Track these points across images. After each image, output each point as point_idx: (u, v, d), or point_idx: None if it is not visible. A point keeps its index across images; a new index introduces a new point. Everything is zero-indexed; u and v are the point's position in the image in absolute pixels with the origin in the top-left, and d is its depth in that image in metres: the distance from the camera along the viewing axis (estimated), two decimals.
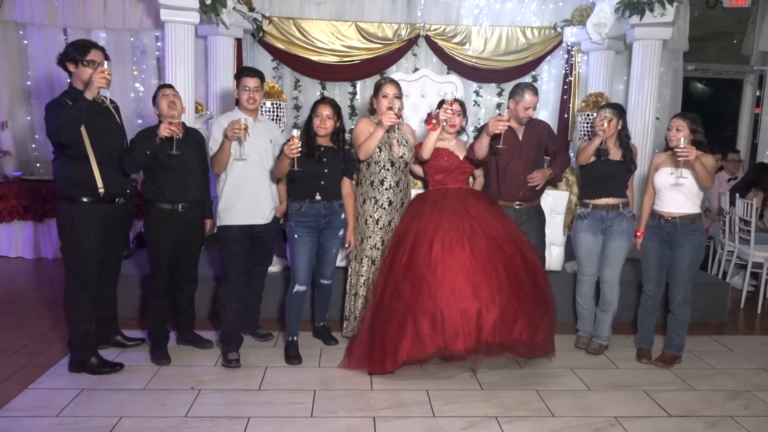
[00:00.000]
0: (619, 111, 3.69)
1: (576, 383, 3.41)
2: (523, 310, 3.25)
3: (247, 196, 3.52)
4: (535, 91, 3.74)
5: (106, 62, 3.09)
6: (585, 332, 3.98)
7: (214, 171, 3.57)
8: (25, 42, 6.27)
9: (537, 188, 3.78)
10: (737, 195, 5.27)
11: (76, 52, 3.16)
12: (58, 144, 3.19)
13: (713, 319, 4.48)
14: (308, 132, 3.51)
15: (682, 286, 3.62)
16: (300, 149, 3.22)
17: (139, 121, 6.25)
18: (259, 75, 3.59)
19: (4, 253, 6.04)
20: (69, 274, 3.29)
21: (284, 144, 3.33)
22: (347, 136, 4.03)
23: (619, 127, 3.68)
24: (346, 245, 3.73)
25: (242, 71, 3.65)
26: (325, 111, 3.54)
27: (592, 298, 3.93)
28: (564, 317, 4.11)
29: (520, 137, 3.74)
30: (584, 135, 4.94)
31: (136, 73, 6.33)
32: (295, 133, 3.24)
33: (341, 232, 3.70)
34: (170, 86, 3.52)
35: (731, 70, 8.13)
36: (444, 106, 3.55)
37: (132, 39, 6.26)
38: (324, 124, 3.52)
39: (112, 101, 3.42)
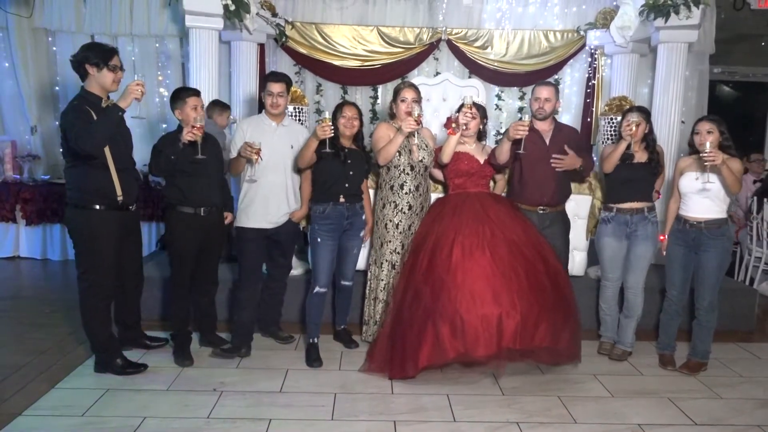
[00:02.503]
0: (646, 115, 3.65)
1: (599, 390, 3.37)
2: (545, 316, 3.22)
3: (261, 199, 3.58)
4: (548, 84, 3.74)
5: (140, 75, 3.14)
6: (608, 338, 3.93)
7: (230, 174, 3.62)
8: (54, 48, 6.42)
9: (558, 169, 3.67)
10: (765, 200, 5.17)
11: (100, 57, 3.15)
12: (78, 153, 3.11)
13: (740, 326, 4.39)
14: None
15: (708, 291, 3.56)
16: (332, 129, 3.32)
17: (164, 126, 6.36)
18: (286, 80, 3.62)
19: (33, 255, 6.16)
20: (85, 283, 3.27)
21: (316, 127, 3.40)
22: (367, 140, 4.06)
23: (646, 131, 3.64)
24: (362, 234, 3.76)
25: (269, 76, 3.69)
26: (351, 112, 3.60)
27: (615, 303, 3.89)
28: (587, 323, 4.07)
29: (547, 141, 3.71)
30: (608, 139, 4.88)
31: (161, 78, 6.43)
32: (327, 115, 3.35)
33: (362, 233, 3.74)
34: (195, 93, 3.49)
35: (759, 73, 7.98)
36: (464, 109, 3.55)
37: (157, 45, 6.37)
38: (351, 124, 3.58)
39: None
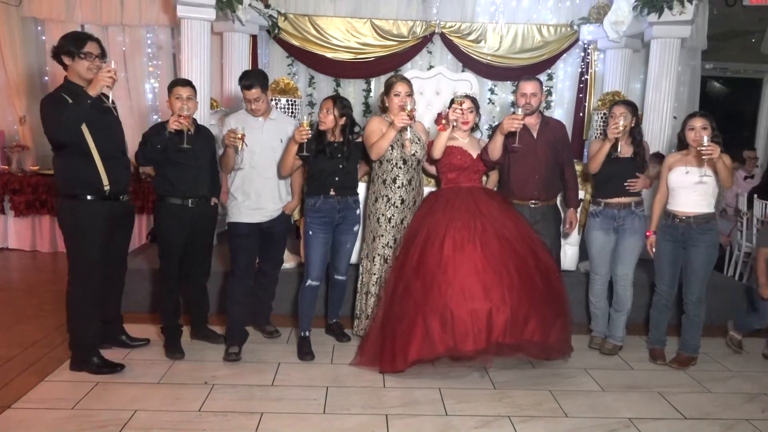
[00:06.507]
0: (633, 108, 3.65)
1: (590, 384, 3.39)
2: (535, 311, 3.22)
3: (253, 194, 3.55)
4: (532, 79, 3.75)
5: (113, 62, 3.04)
6: (599, 332, 3.95)
7: (223, 170, 3.59)
8: (44, 38, 6.34)
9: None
10: (755, 196, 5.20)
11: (72, 44, 3.07)
12: (58, 142, 3.10)
13: (729, 321, 4.42)
14: (317, 129, 3.54)
15: (697, 286, 3.59)
16: (309, 133, 3.30)
17: (155, 117, 6.31)
18: (260, 83, 3.46)
19: (21, 247, 6.11)
20: (74, 274, 3.22)
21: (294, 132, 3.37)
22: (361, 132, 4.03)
23: (632, 125, 3.64)
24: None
25: (241, 80, 3.50)
26: (326, 106, 3.54)
27: (605, 297, 3.91)
28: (577, 317, 4.08)
29: (535, 135, 3.72)
30: (600, 134, 4.89)
31: (151, 69, 6.38)
32: (305, 119, 3.33)
33: (356, 228, 3.72)
34: (186, 84, 3.44)
35: (750, 70, 8.03)
36: (453, 105, 3.54)
37: (148, 35, 6.31)
38: (325, 119, 3.52)
39: (111, 100, 3.27)
